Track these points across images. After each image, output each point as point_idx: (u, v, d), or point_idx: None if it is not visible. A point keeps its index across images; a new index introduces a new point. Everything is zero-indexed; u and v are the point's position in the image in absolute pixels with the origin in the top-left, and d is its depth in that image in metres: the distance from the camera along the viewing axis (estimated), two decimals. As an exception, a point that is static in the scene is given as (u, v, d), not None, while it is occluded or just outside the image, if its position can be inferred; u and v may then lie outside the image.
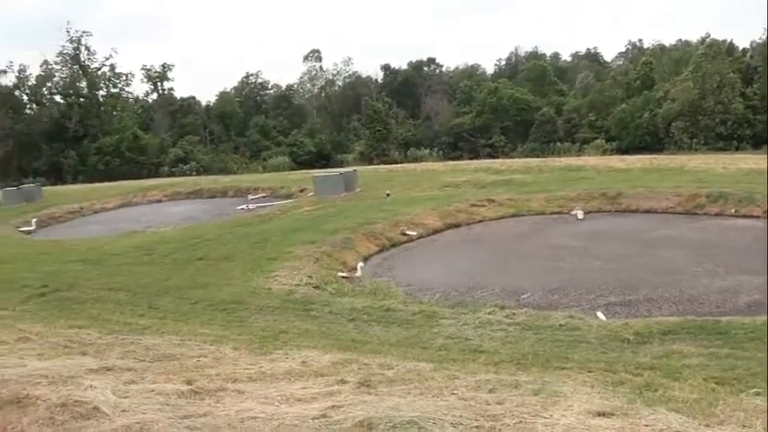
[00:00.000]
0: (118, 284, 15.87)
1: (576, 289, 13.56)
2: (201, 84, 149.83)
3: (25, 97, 75.43)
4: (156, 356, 8.52)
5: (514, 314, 11.03)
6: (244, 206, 30.33)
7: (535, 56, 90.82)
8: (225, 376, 7.15)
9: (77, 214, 34.96)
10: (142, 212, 33.50)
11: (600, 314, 11.46)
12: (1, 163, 70.20)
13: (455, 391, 6.06)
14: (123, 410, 5.68)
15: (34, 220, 31.92)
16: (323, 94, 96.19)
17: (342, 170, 35.44)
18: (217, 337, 10.34)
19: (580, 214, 21.73)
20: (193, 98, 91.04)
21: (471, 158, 56.65)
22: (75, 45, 74.52)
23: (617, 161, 34.32)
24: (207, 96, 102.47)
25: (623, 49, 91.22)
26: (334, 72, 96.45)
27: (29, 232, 30.01)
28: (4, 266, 19.69)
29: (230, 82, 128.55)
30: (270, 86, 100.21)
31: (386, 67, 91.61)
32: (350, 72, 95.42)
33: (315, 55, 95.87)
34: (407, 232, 20.37)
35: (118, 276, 16.81)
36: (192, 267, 17.16)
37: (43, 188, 43.83)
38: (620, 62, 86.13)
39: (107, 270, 17.72)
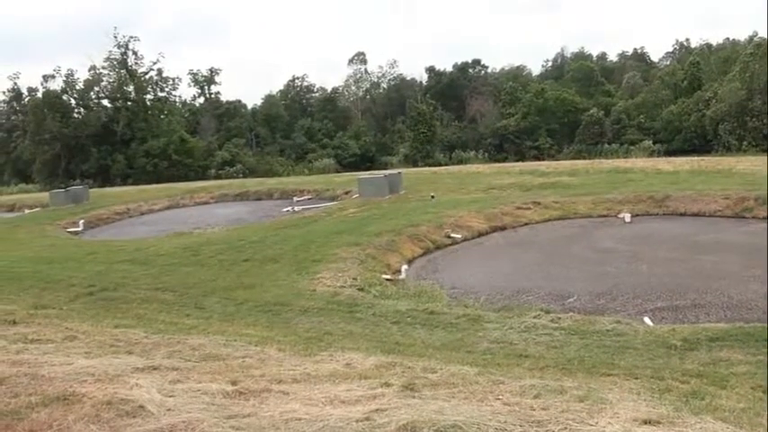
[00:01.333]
0: (164, 285, 16.02)
1: (622, 293, 13.37)
2: (247, 87, 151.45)
3: (73, 101, 76.72)
4: (201, 356, 8.57)
5: (560, 319, 10.91)
6: (289, 208, 30.46)
7: (582, 56, 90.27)
8: (269, 377, 7.16)
9: (125, 215, 35.36)
10: (189, 214, 33.79)
11: (647, 319, 11.30)
12: (49, 166, 71.64)
13: (500, 396, 6.01)
14: (168, 409, 5.72)
15: (81, 221, 32.36)
16: (368, 97, 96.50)
17: (386, 172, 35.44)
18: (262, 338, 10.37)
19: (627, 217, 21.47)
20: (239, 101, 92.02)
21: (517, 161, 56.36)
22: (123, 50, 75.73)
23: (664, 163, 33.83)
24: (253, 100, 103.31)
25: (670, 49, 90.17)
26: (379, 74, 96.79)
27: (76, 233, 30.43)
28: (52, 266, 20.00)
29: (276, 85, 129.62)
30: (315, 89, 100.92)
31: (431, 69, 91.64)
32: (395, 74, 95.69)
33: (360, 58, 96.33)
34: (452, 235, 20.27)
35: (164, 277, 16.97)
36: (237, 268, 17.27)
37: (90, 190, 44.43)
38: (668, 62, 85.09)
39: (154, 270, 17.89)
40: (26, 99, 79.99)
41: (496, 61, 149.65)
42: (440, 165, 56.66)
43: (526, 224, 22.03)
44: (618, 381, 7.50)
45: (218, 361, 8.22)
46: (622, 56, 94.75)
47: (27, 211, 40.35)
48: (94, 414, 5.68)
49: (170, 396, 6.16)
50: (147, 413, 5.64)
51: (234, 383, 6.71)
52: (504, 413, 5.41)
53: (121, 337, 10.25)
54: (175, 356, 8.56)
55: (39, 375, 7.17)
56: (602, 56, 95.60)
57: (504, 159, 61.22)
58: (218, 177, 60.92)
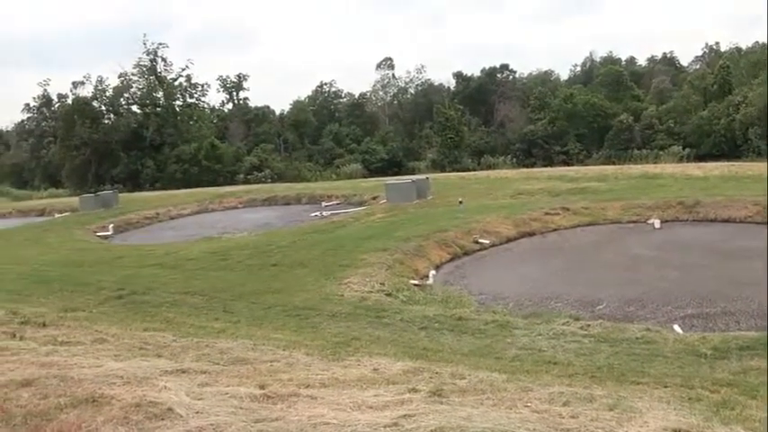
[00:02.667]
0: (193, 289, 16.12)
1: (652, 301, 13.24)
2: (276, 93, 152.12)
3: (103, 107, 77.50)
4: (229, 360, 8.61)
5: (589, 326, 10.82)
6: (317, 213, 30.51)
7: (610, 60, 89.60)
8: (297, 381, 7.18)
9: (154, 220, 35.58)
10: (218, 219, 33.92)
11: (677, 327, 11.18)
12: (78, 171, 72.33)
13: (528, 404, 5.98)
14: (197, 412, 5.75)
15: (111, 226, 32.61)
16: (395, 102, 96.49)
17: (414, 178, 35.39)
18: (290, 342, 10.40)
19: (657, 223, 21.25)
20: (268, 107, 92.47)
21: (545, 166, 55.96)
22: (152, 57, 76.34)
23: (694, 168, 33.50)
24: (281, 105, 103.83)
25: (700, 53, 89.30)
26: (407, 80, 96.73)
27: (106, 237, 30.69)
28: (82, 269, 20.19)
29: (304, 91, 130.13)
30: (343, 95, 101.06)
31: (458, 75, 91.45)
32: (422, 80, 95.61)
33: (387, 63, 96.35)
34: (480, 240, 20.19)
35: (193, 281, 17.07)
36: (266, 273, 17.33)
37: (120, 195, 44.76)
38: (697, 66, 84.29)
39: (183, 274, 18.01)
40: (56, 105, 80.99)
41: (525, 66, 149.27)
42: (467, 170, 56.47)
43: (555, 230, 21.88)
44: (647, 389, 7.44)
45: (246, 365, 8.25)
46: (651, 60, 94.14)
47: (57, 216, 40.73)
48: (123, 416, 5.72)
49: (198, 399, 6.19)
50: (175, 416, 5.67)
51: (262, 387, 6.73)
52: (533, 421, 5.37)
53: (150, 341, 10.33)
54: (204, 360, 8.60)
55: (68, 377, 7.23)
56: (631, 60, 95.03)
57: (533, 165, 60.86)
58: (246, 182, 61.10)
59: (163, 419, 5.63)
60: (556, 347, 9.82)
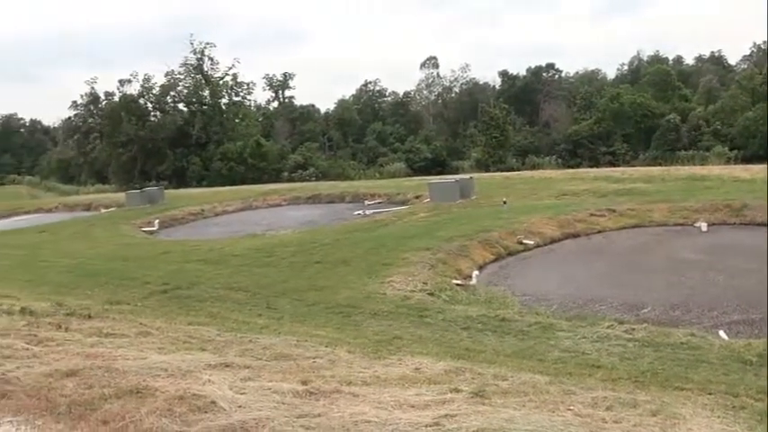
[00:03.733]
0: (237, 284, 16.24)
1: (697, 305, 13.01)
2: (321, 92, 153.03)
3: (150, 105, 78.48)
4: (272, 355, 8.66)
5: (634, 329, 10.66)
6: (360, 211, 30.54)
7: (658, 60, 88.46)
8: (339, 378, 7.20)
9: (199, 216, 35.90)
10: (262, 216, 34.12)
11: (722, 333, 10.97)
12: (125, 167, 73.46)
13: (571, 407, 5.93)
14: (240, 406, 5.81)
15: (157, 221, 32.99)
16: (439, 101, 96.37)
17: (458, 177, 35.26)
18: (332, 339, 10.43)
19: (704, 226, 20.89)
20: (313, 106, 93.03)
21: (591, 166, 55.34)
22: (199, 56, 77.11)
23: (741, 170, 32.86)
24: (326, 104, 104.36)
25: (747, 52, 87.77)
26: (452, 79, 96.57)
27: (151, 232, 31.05)
28: (127, 264, 20.46)
29: (349, 90, 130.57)
30: (387, 94, 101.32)
31: (504, 74, 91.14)
32: (467, 79, 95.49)
33: (432, 62, 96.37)
34: (524, 241, 20.03)
35: (237, 277, 17.20)
36: (309, 270, 17.39)
37: (166, 191, 45.27)
38: (745, 66, 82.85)
39: (227, 270, 18.15)
40: (103, 103, 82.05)
41: (571, 65, 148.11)
42: (512, 170, 56.11)
43: (600, 231, 21.62)
44: (691, 396, 7.33)
45: (288, 360, 8.29)
46: (699, 59, 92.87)
47: (103, 211, 41.34)
48: (167, 408, 5.80)
49: (241, 393, 6.25)
50: (218, 409, 5.74)
51: (304, 383, 6.78)
52: (575, 425, 5.34)
53: (194, 334, 10.44)
54: (247, 355, 8.67)
55: (113, 368, 7.35)
56: (678, 59, 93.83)
57: (578, 165, 60.22)
58: (290, 180, 61.40)
59: (206, 412, 5.70)
60: (600, 351, 9.70)
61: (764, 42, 79.38)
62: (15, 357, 8.22)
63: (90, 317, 12.03)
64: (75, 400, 6.35)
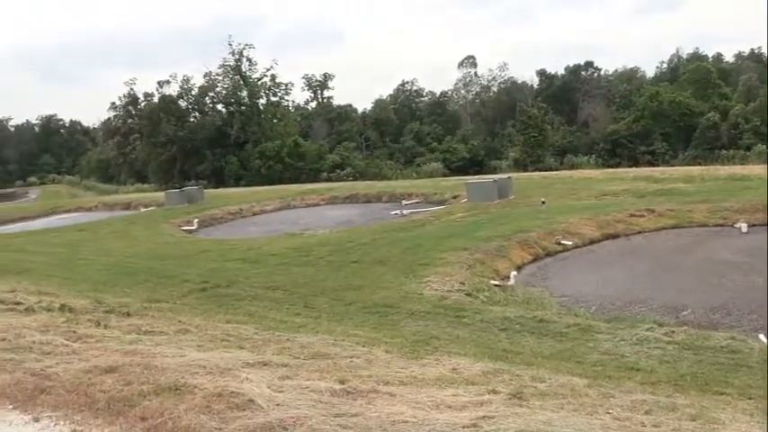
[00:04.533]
0: (275, 283, 16.31)
1: (738, 308, 12.82)
2: (358, 91, 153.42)
3: (189, 106, 79.30)
4: (310, 354, 8.68)
5: (673, 332, 10.52)
6: (398, 211, 30.54)
7: (697, 57, 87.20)
8: (377, 378, 7.19)
9: (238, 216, 36.19)
10: (300, 215, 34.32)
11: (762, 337, 10.78)
12: (164, 167, 74.34)
13: (610, 410, 5.87)
14: (277, 404, 5.82)
15: (196, 220, 33.30)
16: (477, 101, 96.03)
17: (495, 177, 35.12)
18: (369, 338, 10.43)
19: (744, 227, 20.57)
20: (350, 106, 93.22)
21: (630, 166, 54.80)
22: (237, 57, 77.74)
23: (781, 170, 32.31)
24: (363, 104, 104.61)
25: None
26: (489, 78, 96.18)
27: (190, 231, 31.34)
28: (166, 262, 20.67)
29: (386, 89, 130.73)
30: (424, 93, 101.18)
31: (542, 72, 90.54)
32: (505, 78, 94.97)
33: (470, 61, 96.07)
34: (563, 242, 19.91)
35: (275, 276, 17.28)
36: (346, 270, 17.43)
37: (205, 190, 45.70)
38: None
39: (265, 269, 18.25)
40: (142, 104, 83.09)
41: (610, 64, 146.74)
42: (550, 170, 55.76)
43: (639, 232, 21.42)
44: (731, 400, 7.23)
45: (326, 359, 8.30)
46: (738, 56, 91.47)
47: (143, 210, 41.86)
48: (205, 405, 5.84)
49: (279, 391, 6.27)
50: (256, 407, 5.76)
51: (342, 382, 6.78)
52: (613, 428, 5.29)
53: (233, 333, 10.49)
54: (285, 353, 8.69)
55: (151, 365, 7.41)
56: (718, 57, 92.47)
57: (617, 165, 59.61)
58: (328, 180, 61.60)
59: (244, 410, 5.73)
60: (639, 353, 9.60)
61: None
62: (55, 353, 8.33)
63: (129, 314, 12.17)
64: (113, 396, 6.41)
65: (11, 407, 6.44)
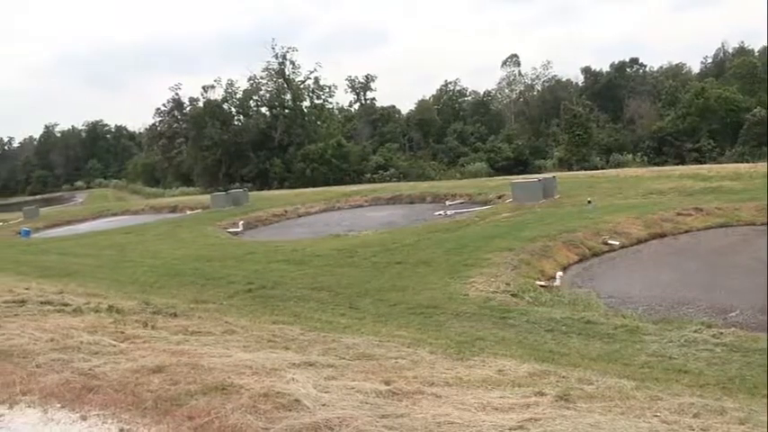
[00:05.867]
0: (320, 284, 16.36)
1: (787, 309, 12.60)
2: (401, 93, 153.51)
3: (233, 109, 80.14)
4: (355, 355, 8.70)
5: (722, 333, 10.32)
6: (442, 212, 30.49)
7: (743, 51, 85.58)
8: (422, 379, 7.19)
9: (282, 217, 36.48)
10: (344, 216, 34.45)
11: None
12: (209, 170, 75.30)
13: (657, 413, 5.80)
14: (323, 405, 5.86)
15: (241, 222, 33.62)
16: (521, 99, 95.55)
17: (540, 176, 34.88)
18: (414, 339, 10.41)
19: (794, 226, 20.18)
20: (393, 107, 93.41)
21: (677, 164, 54.11)
22: (281, 60, 78.52)
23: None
24: (407, 105, 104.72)
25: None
26: (533, 76, 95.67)
27: (236, 233, 31.61)
28: (212, 264, 20.85)
29: (429, 90, 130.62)
30: (468, 93, 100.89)
31: (586, 70, 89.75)
32: (549, 76, 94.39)
33: (513, 60, 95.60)
34: (609, 241, 19.69)
35: (320, 277, 17.33)
36: (391, 271, 17.42)
37: (250, 193, 46.11)
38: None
39: (310, 270, 18.31)
40: (187, 108, 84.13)
41: (655, 60, 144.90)
42: (596, 168, 55.28)
43: (687, 231, 21.12)
44: (780, 404, 7.09)
45: (371, 360, 8.32)
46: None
47: (189, 213, 42.35)
48: (252, 405, 5.89)
49: (325, 392, 6.31)
50: (302, 407, 5.80)
51: (387, 383, 6.79)
52: (661, 431, 5.22)
53: (278, 333, 10.55)
54: (330, 354, 8.73)
55: (198, 365, 7.50)
56: (765, 51, 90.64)
57: (664, 163, 58.88)
58: (372, 181, 61.77)
59: (290, 410, 5.77)
60: (687, 355, 9.45)
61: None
62: (103, 353, 8.45)
63: (176, 315, 12.32)
64: (160, 395, 6.50)
65: (59, 406, 6.56)
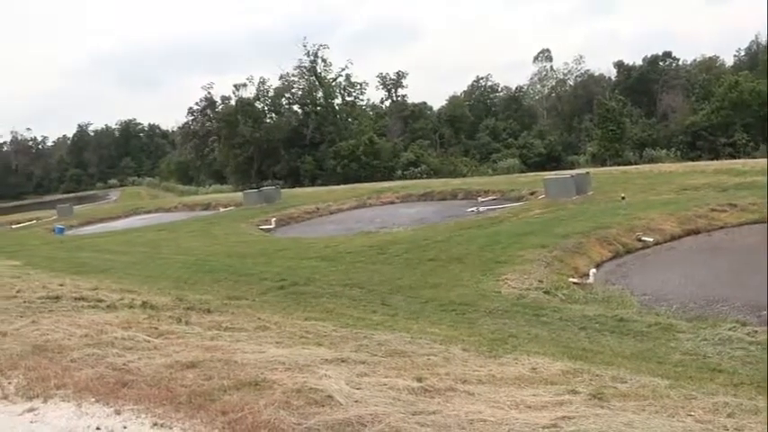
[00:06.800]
0: (352, 281, 16.41)
1: (824, 307, 12.42)
2: (433, 89, 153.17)
3: (265, 108, 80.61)
4: (387, 352, 8.71)
5: (756, 332, 10.19)
6: (473, 209, 30.46)
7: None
8: (454, 376, 7.19)
9: (314, 214, 36.69)
10: (375, 213, 34.55)
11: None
12: (241, 168, 75.81)
13: (691, 413, 5.76)
14: (356, 401, 5.90)
15: (273, 219, 33.87)
16: (553, 95, 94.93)
17: (573, 172, 34.67)
18: (446, 336, 10.38)
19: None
20: (425, 103, 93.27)
21: (711, 159, 53.39)
22: (312, 58, 78.77)
23: None
24: (438, 101, 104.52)
25: None
26: (565, 71, 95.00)
27: (268, 230, 31.84)
28: (245, 260, 21.03)
29: (460, 86, 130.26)
30: (499, 89, 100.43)
31: (619, 64, 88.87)
32: (581, 71, 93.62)
33: (545, 55, 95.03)
34: (643, 238, 19.54)
35: (352, 273, 17.39)
36: (422, 267, 17.43)
37: (281, 190, 46.36)
38: None
39: (342, 267, 18.39)
40: (219, 107, 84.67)
41: (688, 53, 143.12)
42: (629, 164, 54.71)
43: (721, 228, 20.91)
44: (815, 404, 7.01)
45: (403, 357, 8.33)
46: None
47: (222, 210, 42.75)
48: (284, 400, 5.95)
49: (357, 388, 6.34)
50: (335, 403, 5.85)
51: (419, 380, 6.81)
52: (696, 431, 5.20)
53: (311, 330, 10.60)
54: (363, 350, 8.75)
55: (231, 361, 7.59)
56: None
57: (698, 158, 58.11)
58: (403, 178, 61.74)
59: (323, 406, 5.82)
60: (721, 354, 9.34)
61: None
62: (137, 349, 8.58)
63: (209, 311, 12.42)
64: (194, 390, 6.59)
65: (93, 400, 6.68)
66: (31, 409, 6.64)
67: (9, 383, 7.47)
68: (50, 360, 8.21)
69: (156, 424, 5.96)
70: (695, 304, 13.22)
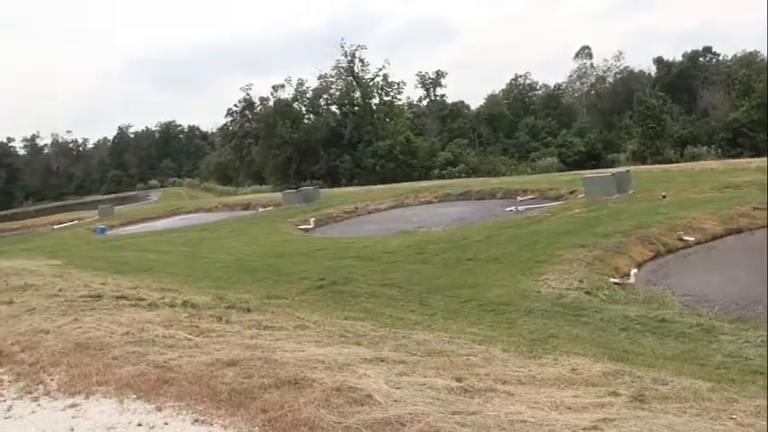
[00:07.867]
0: (390, 281, 16.44)
1: None
2: (471, 88, 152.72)
3: (303, 108, 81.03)
4: (426, 351, 8.74)
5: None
6: (512, 208, 30.32)
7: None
8: (494, 377, 7.20)
9: (352, 214, 36.75)
10: (414, 213, 34.51)
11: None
12: (280, 168, 76.31)
13: (733, 416, 5.71)
14: (395, 400, 5.95)
15: (312, 219, 34.01)
16: (592, 92, 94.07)
17: (614, 171, 34.34)
18: (485, 336, 10.38)
19: None
20: (462, 102, 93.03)
21: (753, 156, 52.50)
22: (350, 59, 79.10)
23: None
24: (476, 100, 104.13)
25: None
26: (605, 68, 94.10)
27: (307, 230, 31.99)
28: (284, 260, 21.16)
29: (498, 85, 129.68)
30: (538, 87, 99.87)
31: (659, 60, 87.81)
32: (621, 67, 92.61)
33: (585, 52, 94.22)
34: (685, 237, 19.32)
35: (391, 273, 17.41)
36: (461, 267, 17.39)
37: (320, 190, 46.55)
38: None
39: (380, 267, 18.41)
40: (258, 108, 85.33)
41: (729, 48, 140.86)
42: (670, 162, 54.01)
43: (763, 227, 20.55)
44: None
45: (442, 357, 8.35)
46: None
47: (261, 210, 43.02)
48: (324, 399, 6.02)
49: (396, 388, 6.38)
50: (374, 402, 5.89)
51: (459, 380, 6.83)
52: (738, 435, 5.17)
53: (350, 329, 10.66)
54: (401, 350, 8.79)
55: (271, 359, 7.68)
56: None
57: (739, 155, 57.15)
58: (441, 177, 61.66)
59: (362, 405, 5.87)
60: (763, 356, 9.18)
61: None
62: (178, 347, 8.72)
63: (249, 310, 12.56)
64: (235, 388, 6.70)
65: (134, 397, 6.84)
66: (72, 405, 6.80)
67: (51, 380, 7.65)
68: (92, 357, 8.37)
69: (196, 420, 6.07)
70: (737, 305, 13.03)
